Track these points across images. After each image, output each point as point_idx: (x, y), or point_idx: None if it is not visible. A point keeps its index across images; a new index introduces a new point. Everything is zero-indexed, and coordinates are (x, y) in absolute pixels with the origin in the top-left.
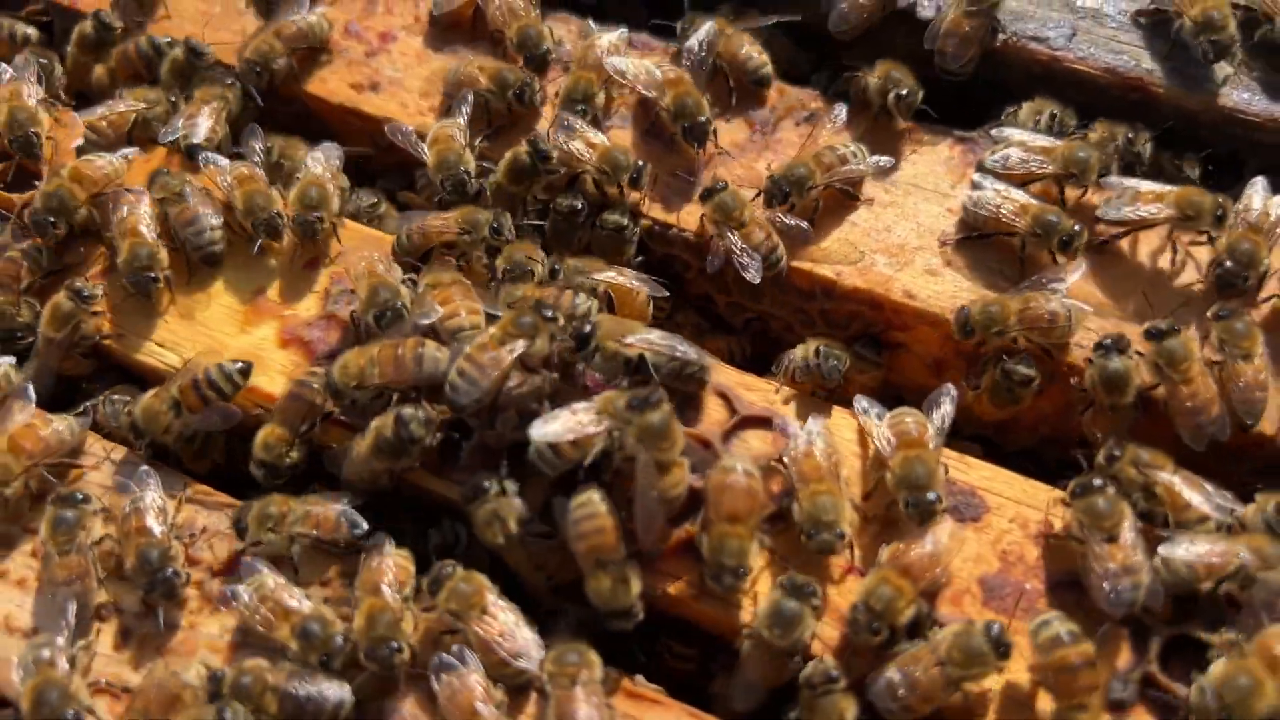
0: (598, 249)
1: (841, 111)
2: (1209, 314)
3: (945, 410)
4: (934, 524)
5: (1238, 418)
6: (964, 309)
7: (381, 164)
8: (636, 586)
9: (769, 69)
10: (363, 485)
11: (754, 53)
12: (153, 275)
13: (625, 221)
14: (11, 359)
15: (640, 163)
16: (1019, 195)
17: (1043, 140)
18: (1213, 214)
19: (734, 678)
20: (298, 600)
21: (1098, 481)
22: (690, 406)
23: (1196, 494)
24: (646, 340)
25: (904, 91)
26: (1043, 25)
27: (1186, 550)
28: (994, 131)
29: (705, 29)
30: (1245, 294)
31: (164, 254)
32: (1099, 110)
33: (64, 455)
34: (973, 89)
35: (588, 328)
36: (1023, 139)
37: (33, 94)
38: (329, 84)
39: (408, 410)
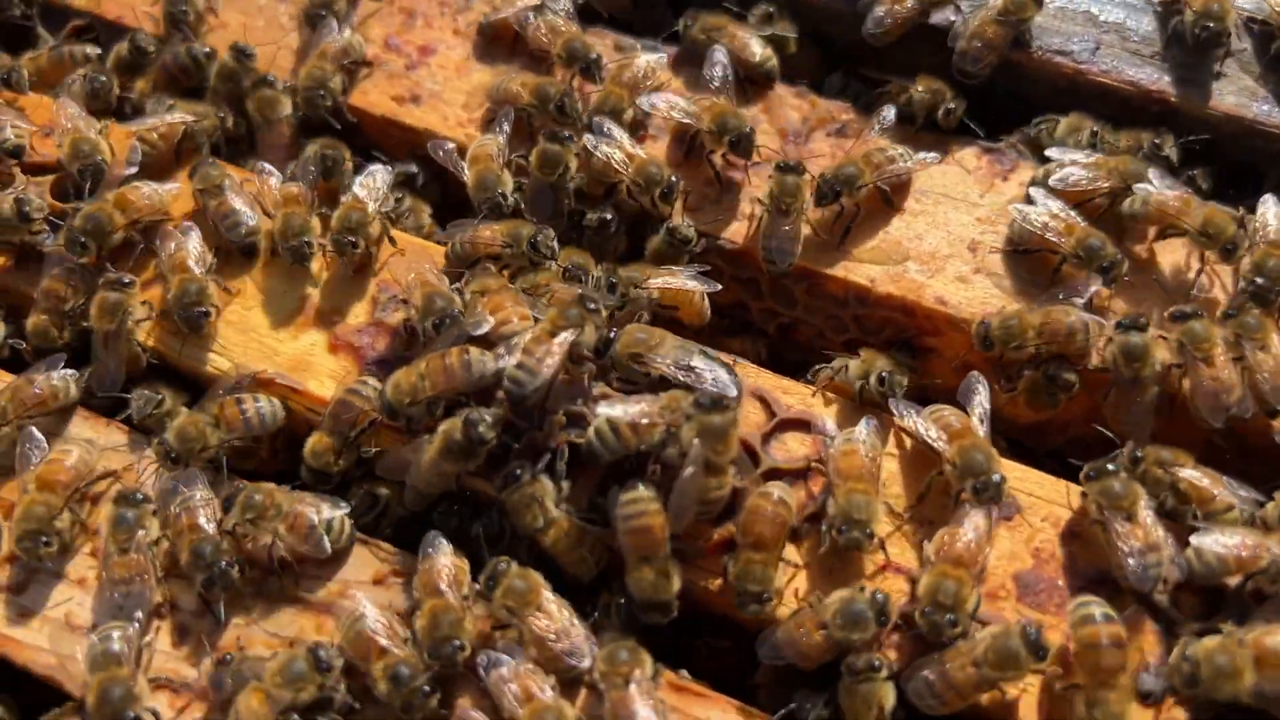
0: (657, 257)
1: (890, 113)
2: (1219, 315)
3: (981, 396)
4: (967, 513)
5: (1266, 404)
6: (984, 323)
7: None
8: (677, 583)
9: (774, 62)
10: (431, 489)
11: (758, 48)
12: (203, 310)
13: (693, 235)
14: (74, 371)
15: (674, 179)
16: (1068, 215)
17: (1097, 156)
18: (1224, 245)
19: (769, 633)
20: (395, 643)
21: (1111, 465)
22: None
23: (1220, 487)
24: (669, 362)
25: (952, 105)
26: (1067, 39)
27: (1217, 541)
28: (1050, 151)
29: (720, 59)
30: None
31: (213, 288)
32: (1123, 122)
33: (90, 477)
34: (993, 100)
35: (612, 333)
36: (1076, 156)
37: (93, 125)
38: (370, 96)
39: (475, 413)
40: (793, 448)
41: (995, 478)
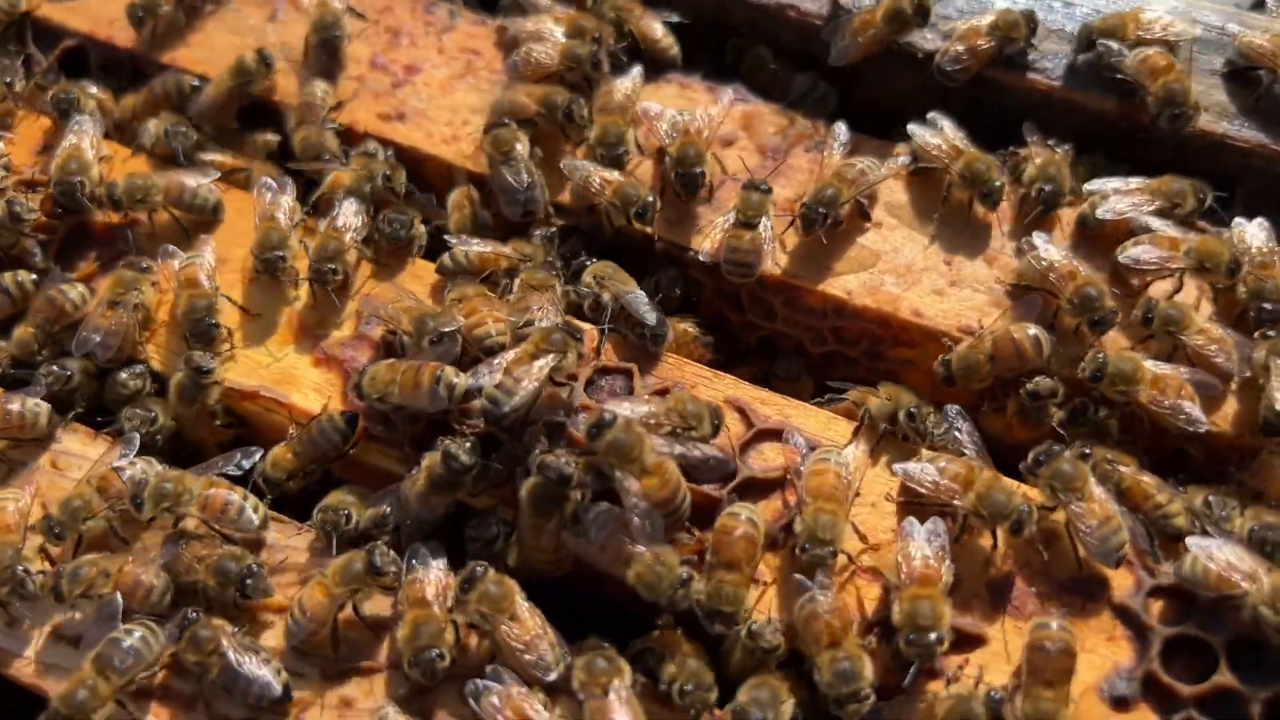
0: None
1: (843, 131)
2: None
3: (967, 429)
4: (912, 530)
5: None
6: (944, 360)
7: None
8: (673, 560)
9: (677, 50)
10: (427, 519)
11: (661, 32)
12: (213, 322)
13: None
14: (47, 405)
15: (649, 199)
16: (1070, 263)
17: (1137, 181)
18: (1226, 268)
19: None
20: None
21: (1056, 446)
22: None
23: (1161, 490)
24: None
25: (997, 184)
26: (1041, 57)
27: (1210, 554)
28: (1087, 186)
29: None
30: None
31: (223, 304)
32: (1095, 137)
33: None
34: (979, 113)
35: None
36: (1117, 185)
37: (92, 147)
38: (357, 114)
39: (452, 446)
40: (770, 457)
41: (1024, 510)
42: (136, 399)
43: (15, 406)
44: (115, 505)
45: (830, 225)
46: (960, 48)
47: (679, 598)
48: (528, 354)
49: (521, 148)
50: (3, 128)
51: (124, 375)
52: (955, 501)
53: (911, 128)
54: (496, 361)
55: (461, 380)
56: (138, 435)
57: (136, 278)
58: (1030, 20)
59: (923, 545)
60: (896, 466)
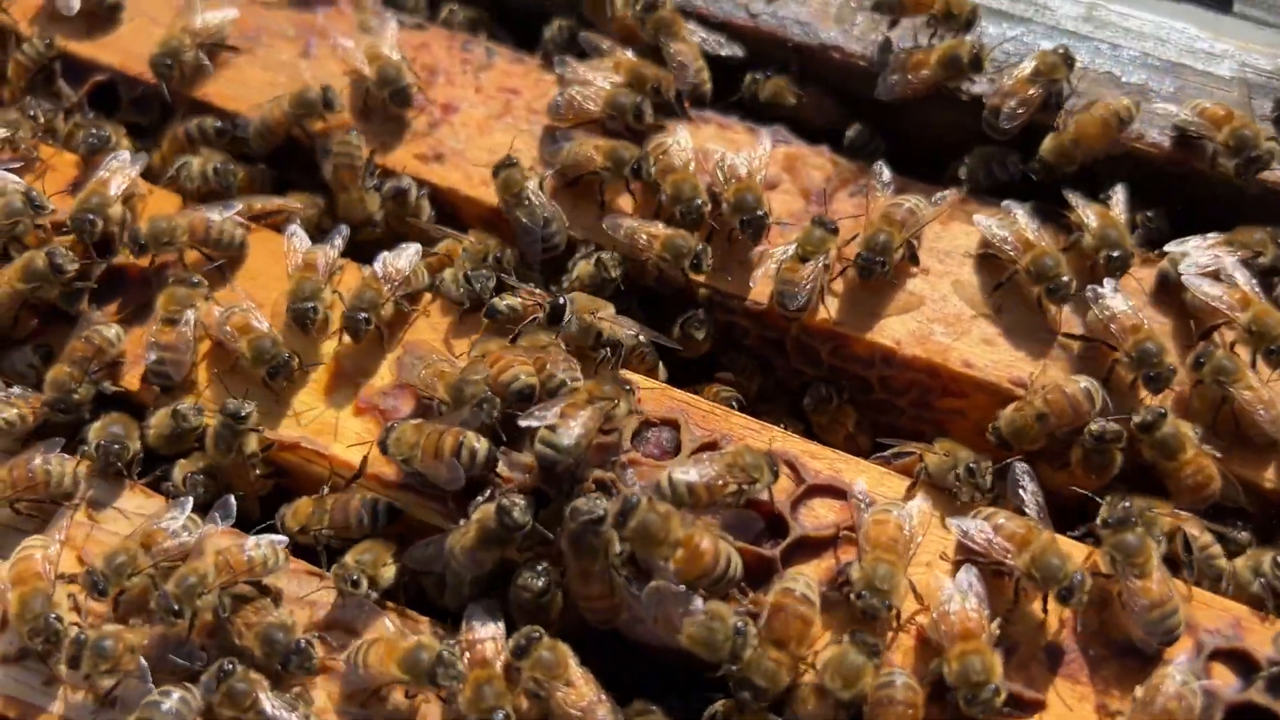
0: None
1: (885, 172)
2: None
3: (1032, 489)
4: (944, 584)
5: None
6: (995, 428)
7: None
8: (725, 611)
9: (709, 85)
10: (471, 574)
11: (700, 67)
12: (285, 355)
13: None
14: (73, 461)
15: (701, 248)
16: (1135, 315)
17: (1214, 236)
18: (1268, 347)
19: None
20: None
21: (1132, 515)
22: None
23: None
24: (614, 318)
25: (1053, 286)
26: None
27: None
28: (1167, 248)
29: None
30: None
31: (280, 337)
32: (1151, 184)
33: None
34: (1024, 158)
35: (563, 300)
36: (1196, 242)
37: (120, 185)
38: (394, 154)
39: (506, 500)
40: (822, 514)
41: (1076, 578)
42: (190, 437)
43: (38, 462)
44: (160, 564)
45: (885, 272)
46: (1013, 102)
47: (739, 647)
48: (582, 400)
49: (533, 185)
50: (30, 165)
51: (184, 408)
52: (1009, 560)
53: (979, 219)
54: (551, 412)
55: (483, 445)
56: (192, 499)
57: (190, 294)
58: (1067, 57)
59: (957, 598)
60: (951, 522)
